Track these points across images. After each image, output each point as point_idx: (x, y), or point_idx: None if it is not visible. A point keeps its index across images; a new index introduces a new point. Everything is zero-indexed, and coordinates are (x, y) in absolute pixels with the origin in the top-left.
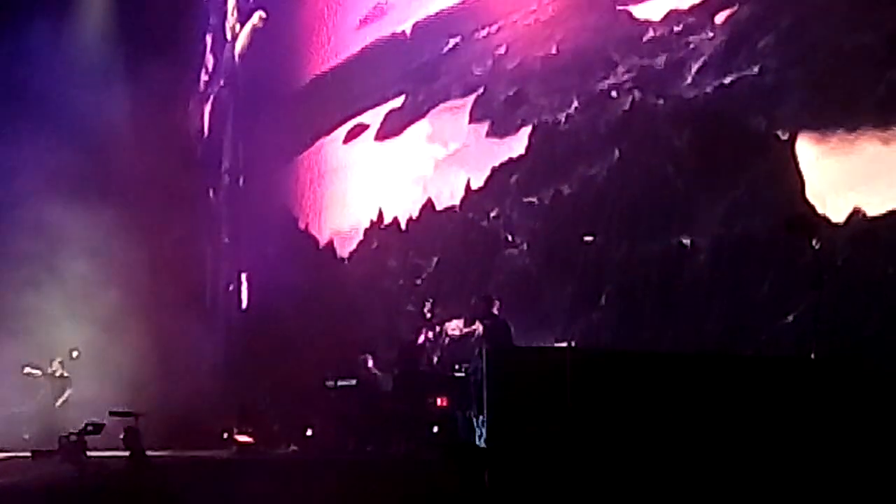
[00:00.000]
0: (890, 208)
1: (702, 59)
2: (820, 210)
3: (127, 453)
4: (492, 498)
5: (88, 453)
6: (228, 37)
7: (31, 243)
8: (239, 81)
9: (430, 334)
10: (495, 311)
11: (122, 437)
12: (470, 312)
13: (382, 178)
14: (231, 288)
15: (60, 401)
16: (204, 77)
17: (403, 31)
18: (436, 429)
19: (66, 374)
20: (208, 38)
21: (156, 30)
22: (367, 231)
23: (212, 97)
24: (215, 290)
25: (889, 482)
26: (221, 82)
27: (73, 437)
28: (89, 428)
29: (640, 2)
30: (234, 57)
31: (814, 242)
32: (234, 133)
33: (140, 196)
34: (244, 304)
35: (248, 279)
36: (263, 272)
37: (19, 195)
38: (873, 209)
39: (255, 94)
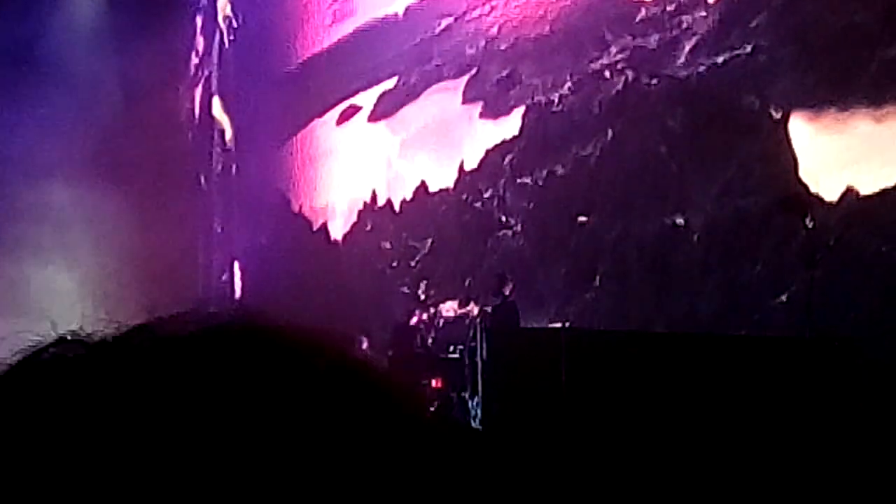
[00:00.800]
0: (883, 187)
1: (694, 39)
2: (813, 189)
3: None
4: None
5: None
6: (220, 18)
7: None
8: (230, 64)
9: (425, 316)
10: (507, 291)
11: None
12: (483, 290)
13: (376, 159)
14: (224, 278)
15: None
16: (194, 60)
17: (396, 13)
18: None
19: None
20: (198, 19)
21: (147, 10)
22: (360, 213)
23: (202, 81)
24: (208, 280)
25: (881, 462)
26: (214, 66)
27: None
28: None
29: None
30: (224, 39)
31: (807, 222)
32: (227, 118)
33: (130, 183)
34: (238, 294)
35: (241, 268)
36: (257, 259)
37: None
38: (866, 188)
39: (247, 78)
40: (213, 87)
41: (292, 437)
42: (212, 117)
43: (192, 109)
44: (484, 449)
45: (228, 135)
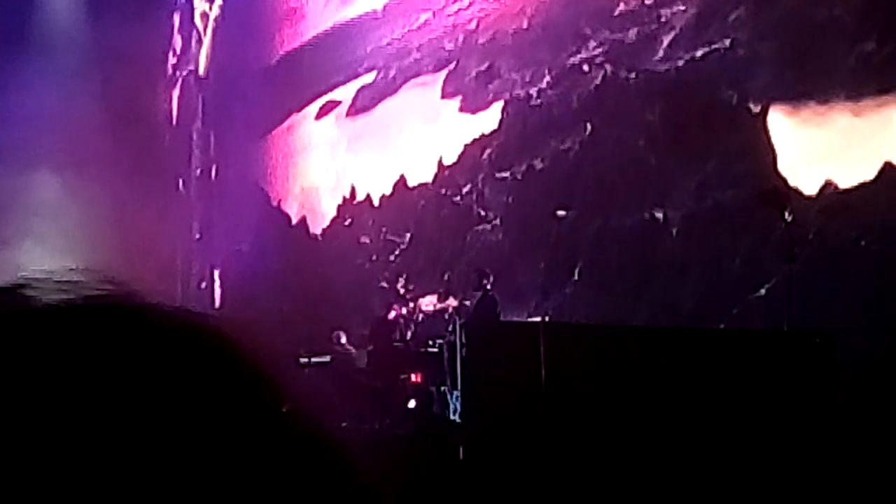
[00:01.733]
0: (862, 180)
1: (673, 33)
2: (792, 183)
3: None
4: (466, 472)
5: None
6: (197, 17)
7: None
8: (209, 63)
9: (404, 310)
10: (488, 285)
11: None
12: (462, 285)
13: (354, 154)
14: (204, 286)
15: None
16: (172, 59)
17: (374, 9)
18: (410, 404)
19: None
20: (176, 18)
21: (124, 8)
22: (339, 208)
23: (180, 81)
24: (186, 287)
25: (859, 454)
26: (191, 66)
27: None
28: None
29: None
30: (202, 38)
31: (786, 215)
32: (205, 119)
33: (106, 186)
34: (217, 303)
35: (220, 276)
36: (236, 258)
37: None
38: (845, 181)
39: (226, 74)
40: (192, 87)
41: (130, 404)
42: (190, 120)
43: (170, 110)
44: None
45: (209, 138)
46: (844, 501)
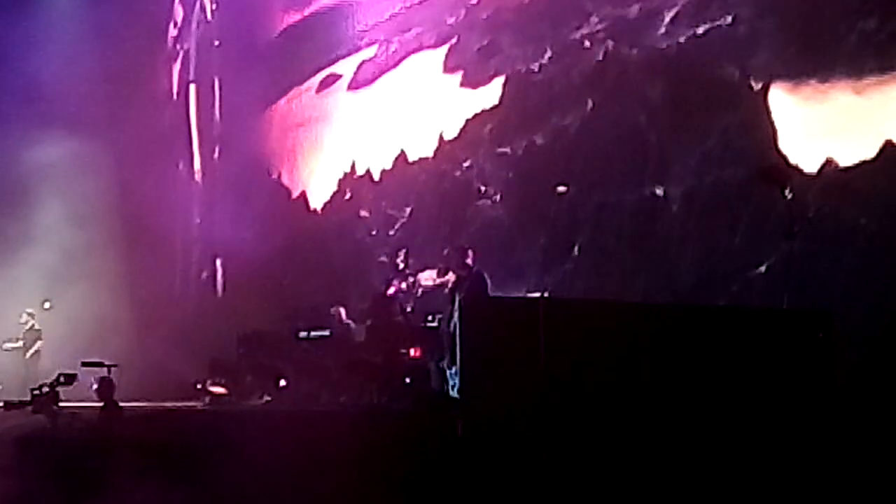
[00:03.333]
0: (862, 158)
1: (675, 9)
2: (792, 160)
3: (100, 404)
4: (465, 448)
5: (61, 404)
6: None
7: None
8: (210, 37)
9: (404, 285)
10: (469, 261)
11: (94, 387)
12: (444, 264)
13: (355, 128)
14: (205, 275)
15: (31, 352)
16: (173, 31)
17: None
18: (409, 379)
19: (37, 327)
20: None
21: None
22: (340, 182)
23: (181, 54)
24: (186, 275)
25: (857, 431)
26: (193, 39)
27: (46, 389)
28: (62, 379)
29: None
30: (207, 9)
31: (786, 193)
32: (206, 93)
33: (106, 160)
34: (220, 292)
35: (223, 264)
36: (238, 240)
37: None
38: (845, 159)
39: (227, 47)
40: (192, 62)
41: None
42: (188, 98)
43: (170, 87)
44: None
45: (211, 116)
46: (841, 478)
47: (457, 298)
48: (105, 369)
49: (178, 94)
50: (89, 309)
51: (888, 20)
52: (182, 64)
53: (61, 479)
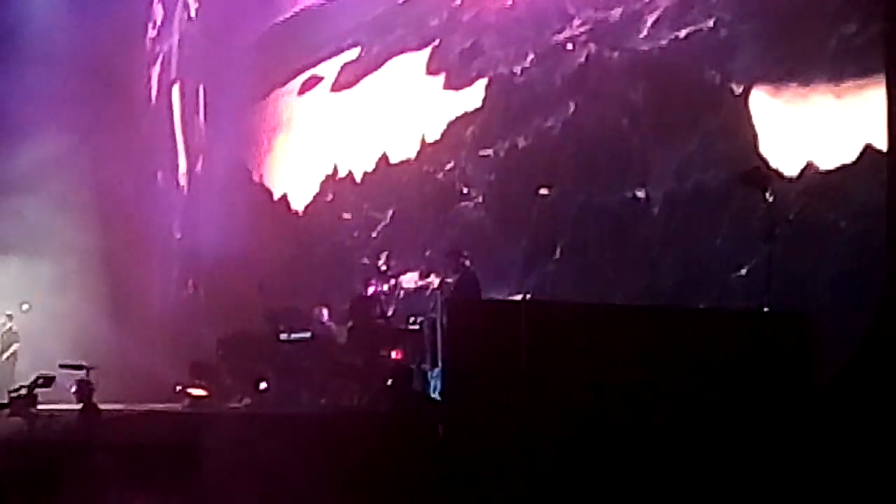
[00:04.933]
0: (842, 162)
1: (657, 13)
2: (773, 163)
3: (78, 407)
4: (446, 450)
5: (39, 407)
6: None
7: None
8: (190, 37)
9: (385, 287)
10: (467, 262)
11: (73, 390)
12: (440, 268)
13: (337, 130)
14: (191, 284)
15: (6, 355)
16: (152, 32)
17: None
18: (390, 381)
19: (14, 329)
20: None
21: None
22: (322, 184)
23: (160, 57)
24: (165, 276)
25: (838, 432)
26: (173, 42)
27: (23, 391)
28: (39, 381)
29: None
30: (190, 9)
31: (767, 196)
32: (186, 97)
33: (85, 170)
34: (200, 293)
35: (203, 266)
36: (219, 242)
37: None
38: (826, 163)
39: (208, 49)
40: (175, 61)
41: None
42: (170, 103)
43: (149, 92)
44: None
45: (194, 124)
46: (822, 478)
47: (438, 300)
48: (83, 371)
49: (158, 94)
50: (68, 311)
51: (868, 24)
52: (162, 65)
53: (38, 481)
